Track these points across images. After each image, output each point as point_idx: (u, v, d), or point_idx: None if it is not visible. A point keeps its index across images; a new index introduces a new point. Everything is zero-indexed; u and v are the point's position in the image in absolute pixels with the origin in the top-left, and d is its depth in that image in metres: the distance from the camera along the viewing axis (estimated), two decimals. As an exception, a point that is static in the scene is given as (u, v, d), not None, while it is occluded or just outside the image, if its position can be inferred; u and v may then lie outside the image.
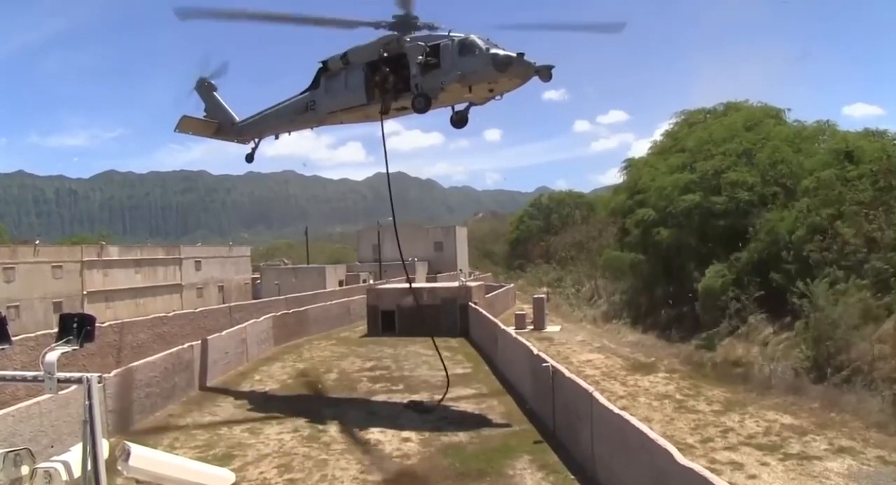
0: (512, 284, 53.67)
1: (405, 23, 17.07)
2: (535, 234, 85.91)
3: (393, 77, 17.27)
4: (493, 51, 15.73)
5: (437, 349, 19.52)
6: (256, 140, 22.09)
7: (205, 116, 22.38)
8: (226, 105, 22.49)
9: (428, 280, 53.09)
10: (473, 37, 16.18)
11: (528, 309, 37.70)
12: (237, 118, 22.13)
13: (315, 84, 19.36)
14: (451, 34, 16.58)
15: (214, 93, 22.41)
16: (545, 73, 15.45)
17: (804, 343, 18.92)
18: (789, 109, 31.05)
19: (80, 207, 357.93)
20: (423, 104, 16.76)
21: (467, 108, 18.11)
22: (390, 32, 17.25)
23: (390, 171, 18.97)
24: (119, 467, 5.30)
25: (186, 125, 21.78)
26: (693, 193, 27.66)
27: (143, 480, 5.67)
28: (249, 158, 22.59)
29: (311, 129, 21.41)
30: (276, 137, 21.90)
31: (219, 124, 22.22)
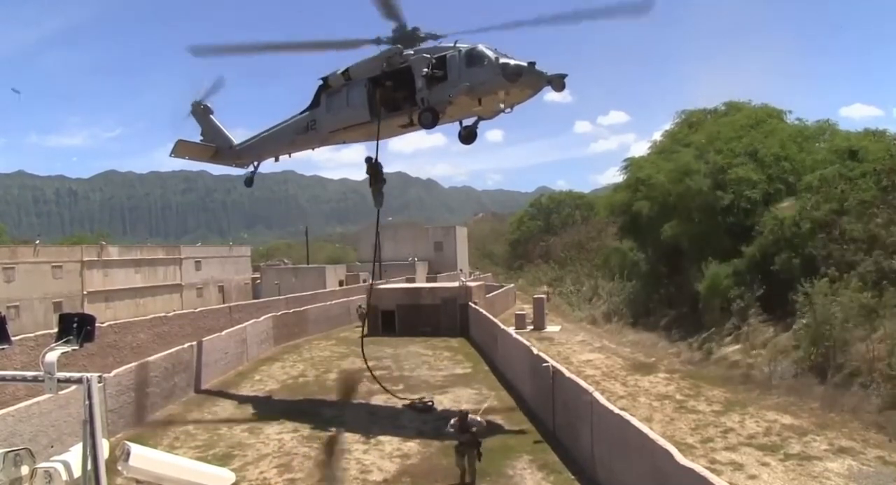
0: (512, 285, 53.68)
1: (407, 35, 16.57)
2: (536, 234, 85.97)
3: (397, 91, 16.76)
4: (502, 61, 15.04)
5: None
6: (255, 163, 21.62)
7: (201, 140, 21.96)
8: (223, 128, 22.06)
9: (428, 280, 53.10)
10: (481, 47, 15.53)
11: (528, 309, 37.71)
12: (235, 141, 21.68)
13: (316, 102, 18.82)
14: (458, 45, 15.96)
15: (211, 116, 21.98)
16: (558, 82, 14.71)
17: (804, 341, 18.90)
18: (790, 111, 31.09)
19: (80, 207, 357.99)
20: (429, 119, 16.19)
21: (476, 123, 17.57)
22: (394, 46, 16.74)
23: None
24: (119, 467, 5.31)
25: (182, 150, 21.23)
26: (702, 176, 27.44)
27: (143, 480, 5.67)
28: (249, 182, 22.04)
29: (313, 149, 20.73)
30: (276, 160, 21.33)
31: (216, 148, 21.77)
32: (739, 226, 25.95)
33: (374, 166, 18.13)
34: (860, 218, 20.87)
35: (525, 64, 14.84)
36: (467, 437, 11.92)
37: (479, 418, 12.18)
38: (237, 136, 22.12)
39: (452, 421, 12.15)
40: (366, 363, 19.42)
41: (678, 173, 28.83)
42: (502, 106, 15.96)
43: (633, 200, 33.65)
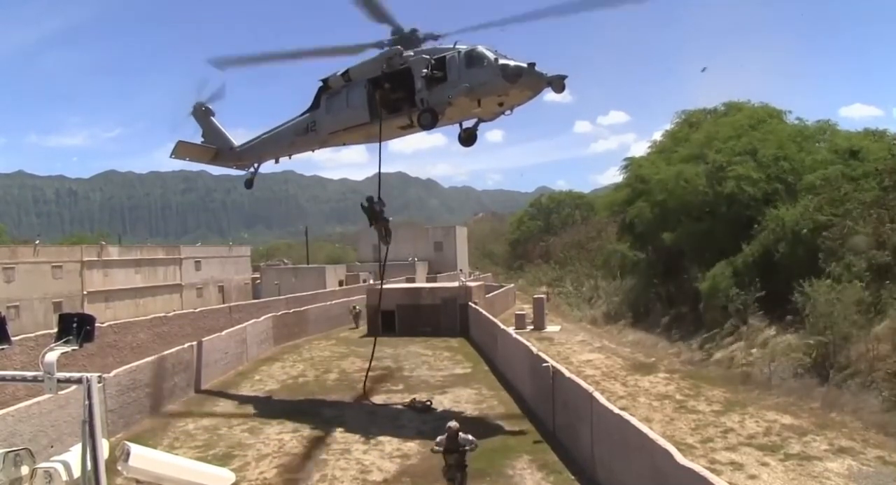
0: (512, 285, 53.68)
1: (406, 37, 16.53)
2: (535, 234, 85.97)
3: (397, 93, 16.71)
4: (502, 62, 14.98)
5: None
6: (256, 165, 21.64)
7: (202, 142, 21.97)
8: (224, 130, 22.06)
9: (428, 280, 53.07)
10: (481, 48, 15.46)
11: (528, 309, 37.70)
12: (235, 143, 21.69)
13: (316, 104, 18.81)
14: (457, 46, 15.90)
15: (212, 118, 21.97)
16: (558, 84, 14.63)
17: (807, 345, 18.89)
18: (790, 111, 31.09)
19: (80, 207, 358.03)
20: (429, 120, 16.15)
21: (476, 125, 17.56)
22: (393, 47, 16.70)
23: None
24: (119, 467, 5.31)
25: (183, 151, 21.24)
26: (699, 179, 27.55)
27: (143, 480, 5.67)
28: (249, 184, 22.06)
29: (313, 151, 20.75)
30: (276, 161, 21.34)
31: (217, 150, 21.80)
32: (740, 224, 25.94)
33: (372, 206, 17.85)
34: (862, 218, 20.84)
35: (525, 65, 14.75)
36: (455, 458, 10.15)
37: (471, 437, 10.30)
38: (237, 137, 22.15)
39: (439, 439, 10.35)
40: (369, 364, 19.50)
41: (676, 175, 28.93)
42: (502, 107, 15.92)
43: (632, 198, 33.70)
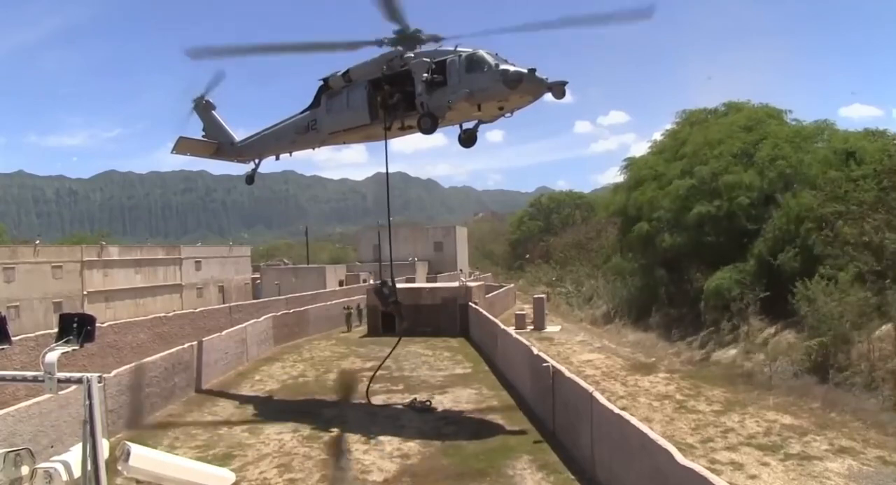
0: (512, 285, 53.70)
1: (408, 37, 16.43)
2: (536, 234, 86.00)
3: (397, 95, 16.68)
4: (502, 67, 14.95)
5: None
6: (257, 161, 21.57)
7: (203, 136, 21.91)
8: (225, 125, 22.00)
9: (428, 280, 53.06)
10: (481, 52, 15.45)
11: (528, 309, 37.72)
12: (236, 138, 21.65)
13: (316, 103, 18.76)
14: (458, 49, 15.86)
15: (213, 112, 21.88)
16: (558, 90, 14.66)
17: (807, 346, 18.89)
18: (790, 111, 31.06)
19: (80, 207, 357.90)
20: (429, 124, 16.12)
21: (476, 127, 17.57)
22: (395, 48, 16.64)
23: (391, 170, 18.54)
24: (119, 467, 5.30)
25: (184, 146, 21.17)
26: (696, 203, 27.67)
27: (143, 480, 5.67)
28: (250, 179, 22.05)
29: (314, 149, 20.65)
30: (277, 158, 21.28)
31: (218, 145, 21.71)
32: (739, 228, 25.94)
33: (381, 291, 17.94)
34: (859, 219, 20.88)
35: (525, 71, 14.77)
36: None
37: None
38: (237, 136, 22.09)
39: None
40: (381, 364, 19.58)
41: (674, 195, 29.15)
42: (502, 111, 15.93)
43: (631, 214, 33.81)
